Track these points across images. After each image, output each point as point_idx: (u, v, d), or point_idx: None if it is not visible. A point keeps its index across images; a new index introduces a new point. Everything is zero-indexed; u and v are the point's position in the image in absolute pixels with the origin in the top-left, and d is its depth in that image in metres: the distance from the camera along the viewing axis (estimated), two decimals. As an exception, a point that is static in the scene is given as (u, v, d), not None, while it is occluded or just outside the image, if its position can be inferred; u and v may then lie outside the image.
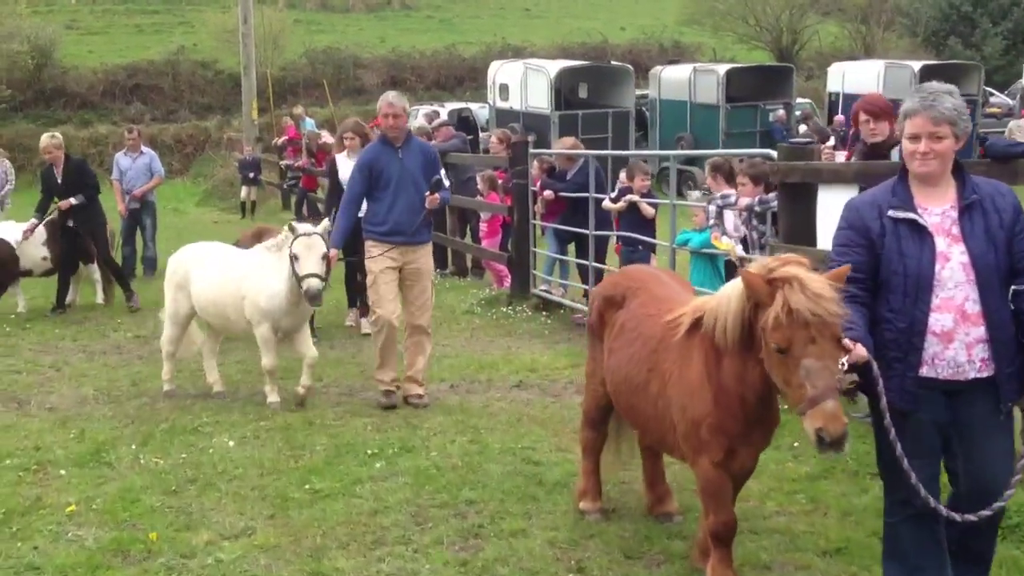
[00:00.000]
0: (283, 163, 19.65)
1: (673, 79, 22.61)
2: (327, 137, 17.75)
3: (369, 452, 5.50)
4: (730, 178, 7.54)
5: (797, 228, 5.88)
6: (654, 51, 38.37)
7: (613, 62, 23.55)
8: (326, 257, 6.18)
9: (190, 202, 23.88)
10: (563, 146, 9.83)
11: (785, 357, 3.02)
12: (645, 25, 41.50)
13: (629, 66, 21.95)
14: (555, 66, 20.73)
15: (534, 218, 10.04)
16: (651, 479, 4.38)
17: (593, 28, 41.17)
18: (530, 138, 10.42)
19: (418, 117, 24.09)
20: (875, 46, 38.48)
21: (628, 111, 20.80)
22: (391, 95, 6.57)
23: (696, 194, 17.09)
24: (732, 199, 6.82)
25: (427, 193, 6.44)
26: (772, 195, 6.35)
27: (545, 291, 9.90)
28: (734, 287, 3.25)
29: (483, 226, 10.87)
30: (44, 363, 8.28)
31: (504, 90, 21.64)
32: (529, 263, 10.02)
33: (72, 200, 10.16)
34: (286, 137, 19.17)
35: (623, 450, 4.47)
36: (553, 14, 47.29)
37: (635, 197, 8.27)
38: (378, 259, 6.42)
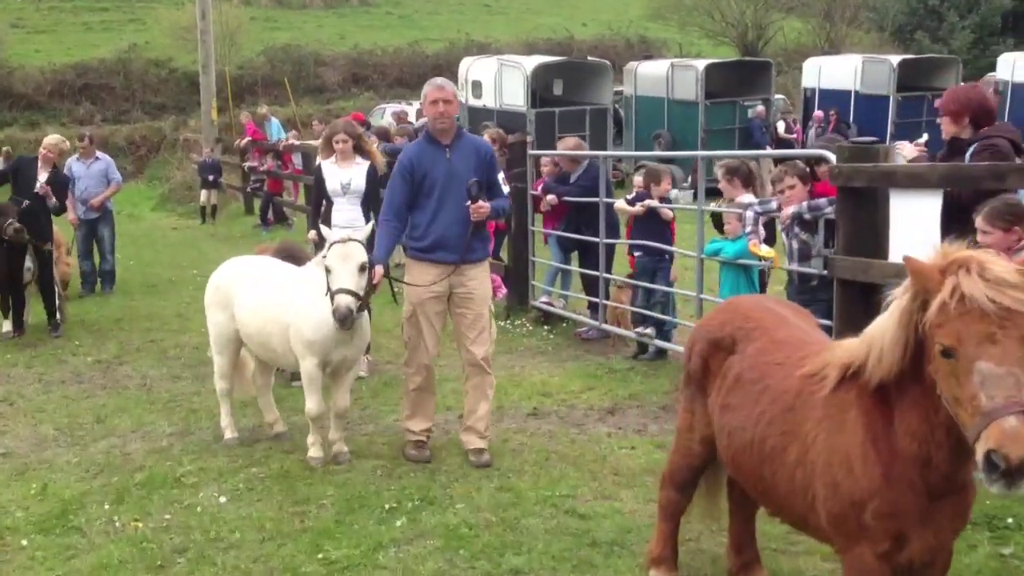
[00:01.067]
0: (246, 165, 18.68)
1: (649, 75, 21.99)
2: (294, 138, 16.85)
3: (386, 507, 4.73)
4: (748, 181, 6.90)
5: (861, 238, 5.22)
6: (620, 46, 37.85)
7: (590, 58, 22.87)
8: (365, 269, 5.12)
9: (145, 207, 22.73)
10: (566, 146, 9.10)
11: (954, 362, 2.35)
12: (610, 20, 40.95)
13: (607, 62, 21.27)
14: (531, 62, 19.99)
15: (533, 224, 9.31)
16: (739, 542, 3.68)
17: (555, 23, 40.59)
18: (529, 138, 9.71)
19: (385, 115, 23.32)
20: (840, 41, 38.39)
21: (606, 108, 20.12)
22: (439, 79, 5.54)
23: (675, 192, 16.61)
24: (773, 205, 6.15)
25: (468, 200, 5.35)
26: (823, 200, 5.69)
27: (546, 303, 9.18)
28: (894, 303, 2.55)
29: (475, 233, 10.09)
30: (-5, 396, 7.37)
31: (477, 87, 20.85)
32: (528, 273, 9.29)
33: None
34: (248, 138, 18.18)
35: (712, 511, 3.75)
36: (514, 10, 46.58)
37: (654, 202, 7.58)
38: (419, 285, 5.38)
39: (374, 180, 7.67)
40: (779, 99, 24.26)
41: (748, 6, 38.85)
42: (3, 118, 27.93)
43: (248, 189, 18.96)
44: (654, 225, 7.69)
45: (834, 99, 22.42)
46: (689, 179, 19.47)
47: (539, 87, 20.18)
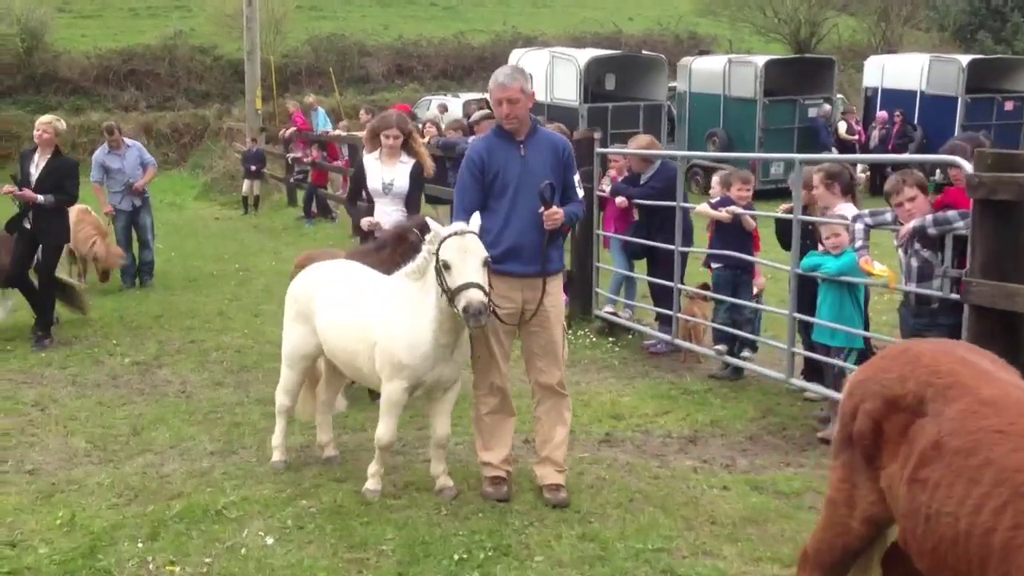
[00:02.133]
0: (290, 156, 18.21)
1: (705, 71, 21.21)
2: (342, 128, 16.34)
3: (455, 556, 4.14)
4: (848, 189, 6.21)
5: (1004, 260, 4.55)
6: (669, 42, 36.98)
7: (644, 52, 22.12)
8: (488, 265, 4.48)
9: (188, 195, 22.39)
10: (638, 144, 8.45)
11: None
12: (659, 16, 40.08)
13: (662, 56, 20.52)
14: (584, 55, 19.30)
15: (599, 228, 8.68)
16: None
17: (601, 18, 39.78)
18: (596, 135, 9.07)
19: (431, 107, 22.76)
20: (896, 41, 37.22)
21: (661, 104, 19.40)
22: (502, 73, 4.81)
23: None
24: (887, 217, 5.46)
25: (542, 207, 4.72)
26: (954, 213, 5.00)
27: (611, 313, 8.55)
28: None
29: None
30: (26, 399, 6.89)
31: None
32: (592, 280, 8.66)
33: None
34: (294, 128, 17.70)
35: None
36: (559, 3, 45.78)
37: (739, 208, 6.92)
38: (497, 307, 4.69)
39: (418, 181, 7.11)
40: (838, 98, 23.38)
41: (802, 2, 37.79)
42: (48, 102, 27.72)
43: (291, 180, 18.50)
44: (738, 234, 7.02)
45: (898, 99, 21.46)
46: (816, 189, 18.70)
47: (591, 81, 19.52)
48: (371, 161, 7.23)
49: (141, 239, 11.41)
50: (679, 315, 7.58)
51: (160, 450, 5.80)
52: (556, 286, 4.97)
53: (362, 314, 4.81)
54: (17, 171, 8.82)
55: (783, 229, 6.57)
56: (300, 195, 19.18)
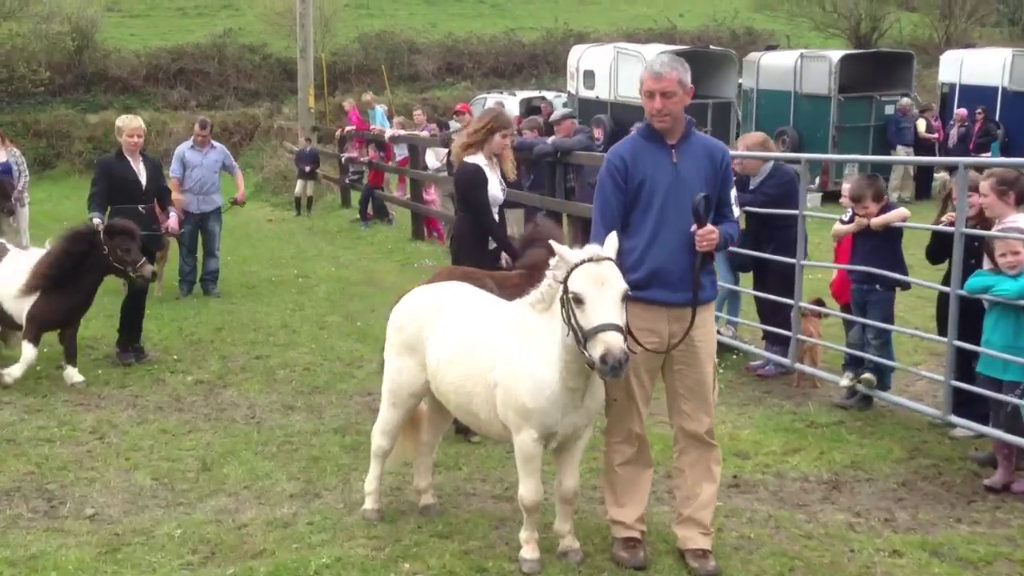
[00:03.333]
0: (344, 156, 17.64)
1: (774, 67, 20.27)
2: (396, 128, 15.71)
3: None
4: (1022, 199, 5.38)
5: None
6: (725, 38, 35.95)
7: (712, 47, 21.24)
8: (627, 299, 3.72)
9: (239, 196, 21.98)
10: (748, 143, 7.67)
11: None
12: (713, 11, 39.03)
13: (732, 52, 19.64)
14: (651, 51, 18.43)
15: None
16: None
17: (651, 14, 38.86)
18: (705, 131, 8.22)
19: (485, 106, 22.09)
20: (959, 36, 35.83)
21: (730, 102, 18.53)
22: (657, 61, 4.04)
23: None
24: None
25: (693, 222, 3.99)
26: None
27: (713, 330, 7.76)
28: None
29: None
30: (84, 425, 6.29)
31: (589, 77, 19.44)
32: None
33: (172, 222, 8.54)
34: (352, 127, 17.11)
35: None
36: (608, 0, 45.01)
37: (893, 215, 6.10)
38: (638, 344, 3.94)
39: (456, 187, 6.53)
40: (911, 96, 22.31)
41: (863, -4, 36.61)
42: (98, 101, 27.56)
43: (346, 181, 17.93)
44: (875, 245, 6.20)
45: (978, 96, 20.33)
46: (817, 180, 17.86)
47: (656, 78, 18.70)
48: (487, 168, 6.27)
49: (207, 247, 10.84)
50: (800, 337, 6.79)
51: (233, 490, 5.16)
52: (707, 317, 4.21)
53: (480, 349, 4.10)
54: (99, 187, 7.93)
55: (937, 243, 5.75)
56: (355, 197, 18.66)
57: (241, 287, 11.17)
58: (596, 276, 3.61)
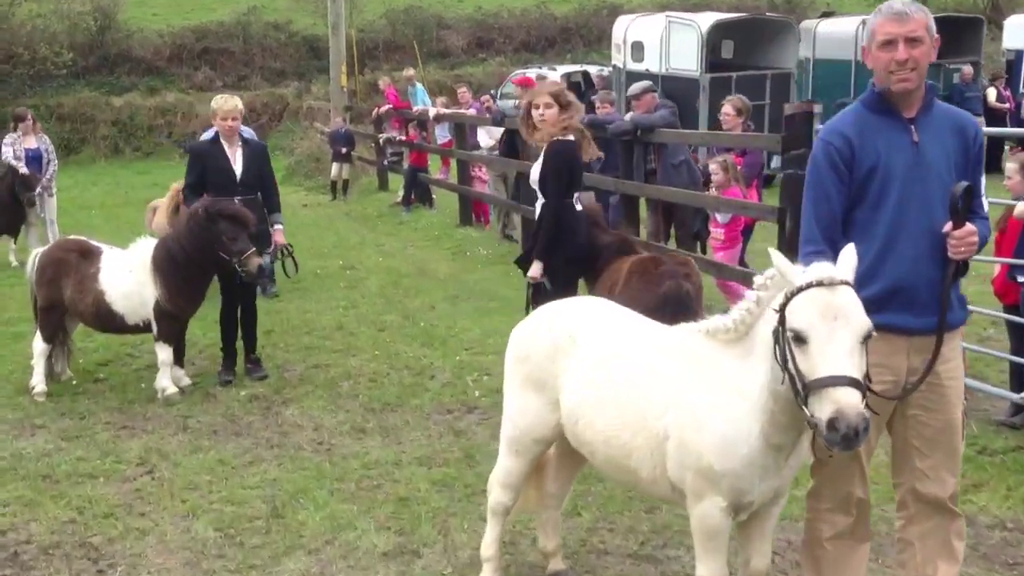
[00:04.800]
0: (383, 136, 16.71)
1: (832, 35, 19.11)
2: (442, 105, 14.74)
3: None
4: None
5: None
6: (764, 7, 34.65)
7: (770, 14, 20.10)
8: (867, 341, 2.70)
9: (270, 179, 21.17)
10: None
11: None
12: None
13: (790, 20, 18.53)
14: (706, 19, 17.38)
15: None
16: None
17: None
18: (816, 109, 7.28)
19: (524, 82, 21.06)
20: (1008, 3, 34.31)
21: (790, 73, 17.41)
22: (896, 1, 3.07)
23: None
24: None
25: (947, 224, 3.02)
26: None
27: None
28: None
29: (717, 232, 7.80)
30: (129, 455, 5.46)
31: (638, 49, 18.36)
32: (808, 290, 6.93)
33: (278, 236, 7.19)
34: (389, 105, 16.18)
35: None
36: (639, -31, 43.62)
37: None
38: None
39: (550, 166, 5.59)
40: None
41: (910, -40, 35.12)
42: (122, 83, 26.76)
43: (385, 163, 17.02)
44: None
45: (1047, 62, 19.15)
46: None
47: (710, 49, 17.63)
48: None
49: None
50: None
51: (313, 545, 4.30)
52: (955, 348, 3.27)
53: (643, 388, 3.18)
54: (191, 177, 7.02)
55: None
56: (393, 179, 17.76)
57: (286, 281, 10.26)
58: (827, 308, 2.65)
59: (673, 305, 5.52)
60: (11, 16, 23.89)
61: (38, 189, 11.51)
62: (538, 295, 5.53)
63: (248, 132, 9.87)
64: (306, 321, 8.54)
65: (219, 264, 6.38)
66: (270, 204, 7.07)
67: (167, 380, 6.43)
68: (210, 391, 6.64)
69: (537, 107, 5.61)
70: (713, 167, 7.63)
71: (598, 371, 3.31)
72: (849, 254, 2.80)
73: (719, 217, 7.70)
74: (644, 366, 3.22)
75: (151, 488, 5.01)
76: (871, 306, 2.87)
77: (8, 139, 11.86)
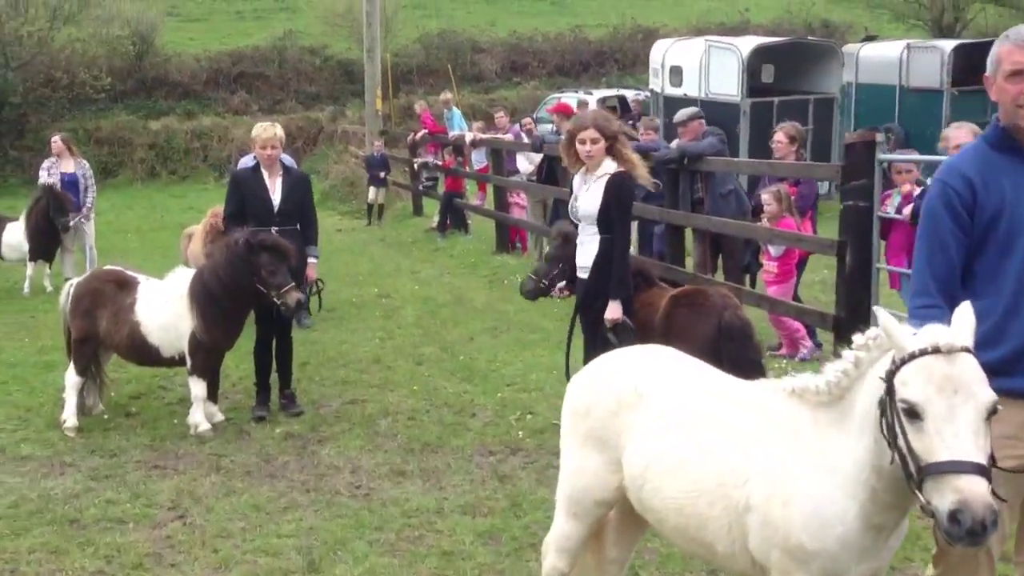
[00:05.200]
0: (418, 161, 16.57)
1: (877, 59, 18.77)
2: (476, 131, 14.55)
3: None
4: None
5: None
6: (800, 32, 34.33)
7: (811, 38, 19.80)
8: (991, 416, 2.35)
9: (304, 204, 21.09)
10: (953, 141, 6.35)
11: None
12: (788, 3, 37.37)
13: (833, 43, 18.23)
14: (747, 44, 17.10)
15: (879, 261, 6.62)
16: None
17: (724, 7, 37.31)
18: (879, 137, 6.91)
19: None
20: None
21: (833, 98, 17.08)
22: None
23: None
24: None
25: None
26: None
27: (896, 372, 6.46)
28: None
29: (770, 265, 7.48)
30: (160, 498, 5.23)
31: (676, 74, 18.12)
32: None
33: (311, 271, 6.95)
34: (425, 131, 16.03)
35: None
36: (672, -7, 43.51)
37: None
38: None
39: (617, 200, 5.33)
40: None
41: (946, -14, 34.71)
42: (159, 107, 26.94)
43: (420, 187, 16.86)
44: None
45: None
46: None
47: (747, 74, 17.34)
48: (577, 177, 5.58)
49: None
50: None
51: (356, 608, 4.03)
52: None
53: (722, 453, 2.88)
54: (231, 206, 6.83)
55: None
56: (428, 204, 17.60)
57: (322, 311, 10.10)
58: (946, 380, 2.32)
59: (732, 337, 5.32)
60: (51, 40, 24.13)
61: (83, 213, 11.48)
62: (595, 338, 5.30)
63: (288, 160, 9.76)
64: (342, 353, 8.31)
65: (257, 297, 6.17)
66: (307, 235, 6.83)
67: (200, 416, 6.22)
68: (244, 428, 6.41)
69: (583, 142, 5.39)
70: (766, 197, 7.32)
71: (668, 430, 3.01)
72: (967, 314, 2.48)
73: (772, 250, 7.38)
74: (721, 426, 2.92)
75: (182, 535, 4.77)
76: (996, 370, 2.55)
77: (45, 164, 11.84)
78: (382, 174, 16.89)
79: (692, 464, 2.92)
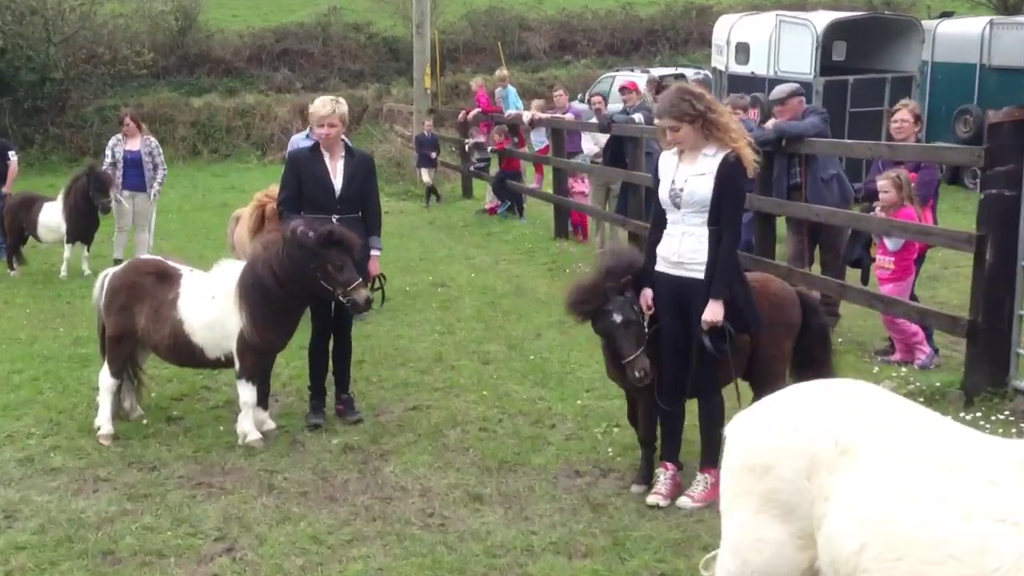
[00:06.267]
0: (470, 141, 15.81)
1: (955, 36, 17.59)
2: (533, 111, 13.72)
3: None
4: None
5: None
6: (862, 8, 32.92)
7: (887, 12, 18.67)
8: None
9: (348, 184, 20.42)
10: None
11: None
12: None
13: (914, 18, 17.09)
14: (821, 19, 16.05)
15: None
16: None
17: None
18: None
19: (613, 85, 19.97)
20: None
21: (911, 76, 15.99)
22: None
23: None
24: None
25: None
26: None
27: (1042, 387, 5.62)
28: None
29: (886, 260, 6.62)
30: (206, 524, 4.55)
31: (742, 51, 17.14)
32: (1012, 336, 5.72)
33: (374, 265, 6.04)
34: (478, 109, 15.24)
35: None
36: (722, -29, 42.11)
37: None
38: None
39: (732, 182, 4.60)
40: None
41: (1013, -40, 33.08)
42: (201, 84, 26.42)
43: (471, 168, 16.10)
44: None
45: None
46: None
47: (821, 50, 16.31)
48: (666, 159, 4.81)
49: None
50: None
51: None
52: None
53: (976, 533, 2.09)
54: (288, 189, 5.96)
55: None
56: (477, 186, 16.85)
57: (383, 305, 9.40)
58: None
59: (821, 339, 5.03)
60: (93, 15, 23.64)
61: (115, 193, 10.90)
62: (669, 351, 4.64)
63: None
64: (400, 349, 7.61)
65: (317, 294, 5.46)
66: (369, 224, 6.05)
67: (249, 424, 5.54)
68: (297, 438, 5.71)
69: (663, 132, 4.67)
70: (883, 183, 6.46)
71: (893, 499, 2.23)
72: None
73: (888, 243, 6.52)
74: (973, 495, 2.13)
75: (231, 573, 4.08)
76: None
77: (112, 141, 11.33)
78: (432, 154, 16.15)
79: (932, 547, 2.13)
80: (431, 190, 16.35)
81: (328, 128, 5.83)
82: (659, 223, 4.88)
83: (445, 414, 6.08)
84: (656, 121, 4.81)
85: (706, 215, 4.66)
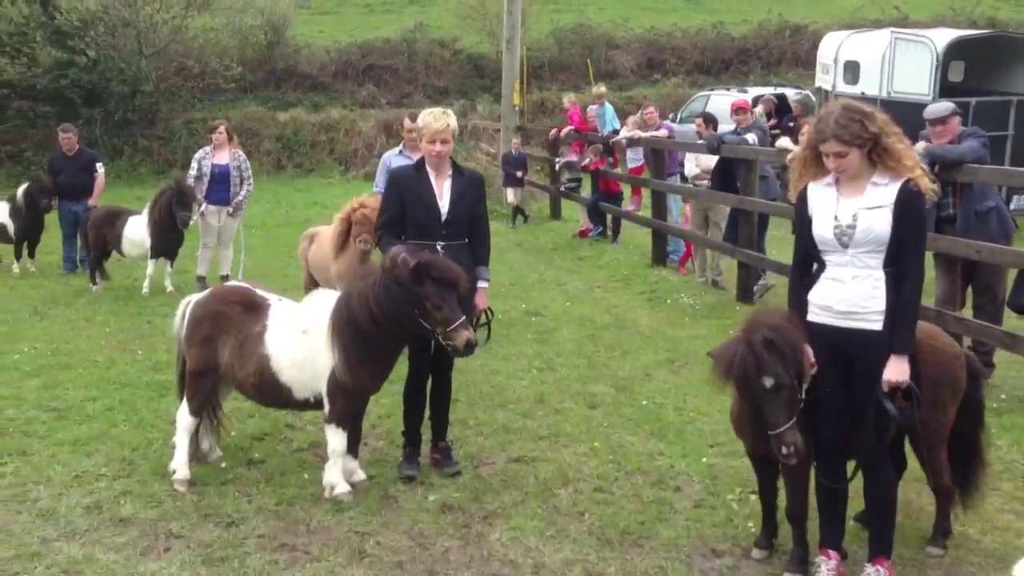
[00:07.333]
0: (560, 160, 15.17)
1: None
2: (633, 129, 12.99)
3: None
4: None
5: None
6: (964, 29, 31.45)
7: (1012, 31, 17.49)
8: None
9: (431, 202, 19.96)
10: None
11: None
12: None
13: (1044, 37, 15.93)
14: (942, 37, 15.01)
15: None
16: None
17: (879, 2, 34.58)
18: None
19: (708, 105, 19.12)
20: None
21: (1039, 99, 14.84)
22: None
23: None
24: None
25: None
26: None
27: None
28: None
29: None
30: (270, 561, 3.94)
31: (851, 69, 16.16)
32: None
33: (480, 299, 5.45)
34: (571, 127, 14.57)
35: None
36: (814, -11, 40.86)
37: None
38: None
39: (914, 221, 3.88)
40: None
41: None
42: (287, 99, 26.41)
43: (561, 188, 15.45)
44: None
45: None
46: None
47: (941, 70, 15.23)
48: (819, 191, 4.06)
49: None
50: None
51: None
52: None
53: None
54: (389, 211, 5.30)
55: None
56: (566, 207, 16.21)
57: (488, 342, 8.77)
58: None
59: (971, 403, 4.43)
60: (185, 29, 23.78)
61: (234, 205, 10.74)
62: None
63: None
64: (497, 387, 6.96)
65: (416, 333, 4.84)
66: (477, 253, 5.39)
67: (337, 475, 4.93)
68: (389, 491, 5.08)
69: (827, 156, 3.90)
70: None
71: None
72: None
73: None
74: None
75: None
76: None
77: (200, 153, 11.05)
78: (519, 173, 15.56)
79: None
80: (517, 210, 15.77)
81: (441, 145, 5.20)
82: (806, 266, 4.13)
83: (554, 468, 5.39)
84: (821, 147, 4.03)
85: (882, 255, 3.89)
